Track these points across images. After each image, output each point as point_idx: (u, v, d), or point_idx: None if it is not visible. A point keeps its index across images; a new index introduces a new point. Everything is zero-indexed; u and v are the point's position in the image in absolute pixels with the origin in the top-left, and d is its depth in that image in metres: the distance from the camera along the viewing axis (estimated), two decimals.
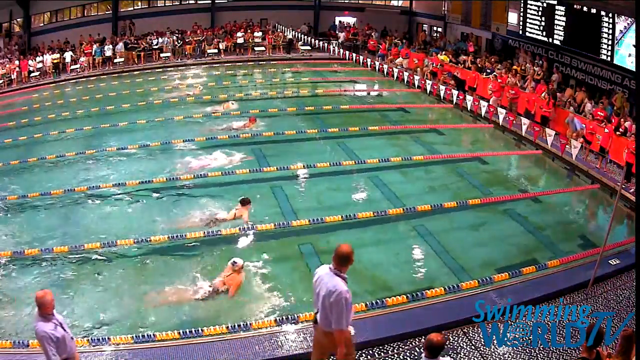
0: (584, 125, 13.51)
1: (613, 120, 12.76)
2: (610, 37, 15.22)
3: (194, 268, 8.43)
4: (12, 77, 21.73)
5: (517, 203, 10.89)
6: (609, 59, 15.42)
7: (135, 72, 23.26)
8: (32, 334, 6.75)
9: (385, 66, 22.26)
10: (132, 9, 27.11)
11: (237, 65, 24.45)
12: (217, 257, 8.72)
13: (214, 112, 16.74)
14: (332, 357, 5.40)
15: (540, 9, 18.28)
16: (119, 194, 11.03)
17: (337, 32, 27.83)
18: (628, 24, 14.59)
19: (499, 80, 16.90)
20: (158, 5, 27.48)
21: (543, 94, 15.27)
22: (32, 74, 22.23)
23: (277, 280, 8.07)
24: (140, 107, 17.52)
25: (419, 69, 21.27)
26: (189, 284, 8.01)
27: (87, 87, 21.14)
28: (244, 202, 9.88)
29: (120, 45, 23.98)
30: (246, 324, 6.85)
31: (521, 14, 19.49)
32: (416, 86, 19.68)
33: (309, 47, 26.18)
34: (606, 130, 12.45)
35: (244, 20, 27.80)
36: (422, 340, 4.93)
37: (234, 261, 7.93)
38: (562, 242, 9.43)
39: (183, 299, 7.67)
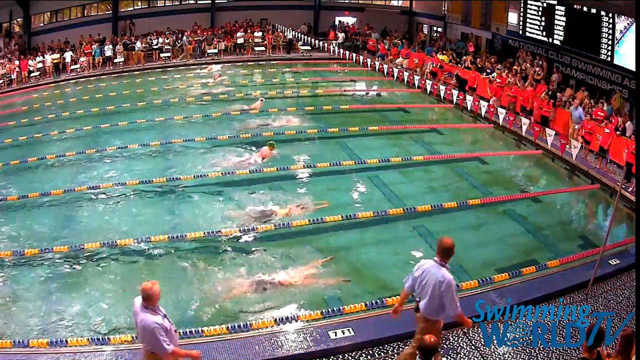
0: (581, 120, 13.58)
1: (613, 121, 12.76)
2: (610, 37, 15.21)
3: (193, 268, 8.45)
4: (12, 77, 21.74)
5: (517, 203, 10.89)
6: (609, 59, 15.42)
7: (135, 72, 23.28)
8: (32, 333, 6.84)
9: (385, 66, 22.26)
10: (132, 9, 27.12)
11: (237, 65, 24.45)
12: (218, 256, 8.73)
13: (214, 114, 16.75)
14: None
15: (540, 9, 18.28)
16: (120, 193, 11.04)
17: (336, 32, 27.78)
18: (628, 24, 14.59)
19: (498, 80, 16.92)
20: (158, 5, 27.49)
21: (543, 94, 15.29)
22: (32, 74, 22.25)
23: (277, 280, 8.03)
24: (140, 107, 17.51)
25: (418, 69, 21.29)
26: (191, 282, 8.03)
27: (87, 87, 21.15)
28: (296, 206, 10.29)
29: (139, 45, 24.06)
30: (246, 324, 6.85)
31: (521, 14, 19.49)
32: (416, 86, 19.68)
33: (309, 47, 26.19)
34: (607, 130, 12.45)
35: (244, 20, 27.82)
36: None
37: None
38: (562, 242, 9.42)
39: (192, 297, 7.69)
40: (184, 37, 24.98)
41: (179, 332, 6.59)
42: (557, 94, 15.43)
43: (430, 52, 22.45)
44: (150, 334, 4.79)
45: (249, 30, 26.60)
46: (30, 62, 22.46)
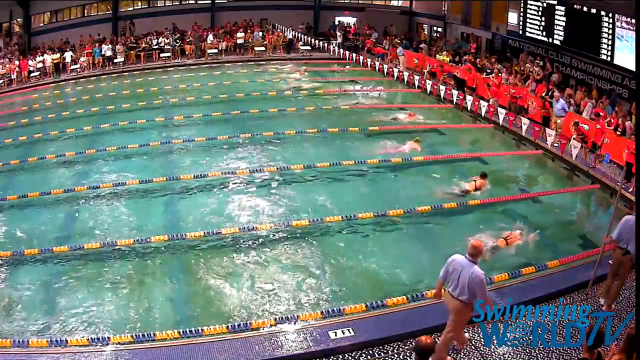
0: (565, 112, 13.65)
1: (613, 120, 12.75)
2: (610, 37, 15.21)
3: (194, 267, 8.45)
4: (12, 77, 21.75)
5: (517, 203, 10.88)
6: (609, 59, 15.42)
7: (135, 72, 23.28)
8: (32, 333, 6.85)
9: (385, 66, 22.27)
10: (132, 9, 27.13)
11: (237, 65, 24.45)
12: (218, 255, 8.75)
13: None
14: None
15: (540, 9, 18.29)
16: (121, 193, 11.05)
17: (336, 32, 27.79)
18: (628, 24, 14.58)
19: (495, 80, 16.93)
20: (158, 5, 27.50)
21: (543, 95, 15.28)
22: (32, 74, 22.27)
23: (277, 280, 8.08)
24: (140, 106, 17.52)
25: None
26: (191, 282, 8.02)
27: (87, 87, 21.15)
28: (483, 176, 11.19)
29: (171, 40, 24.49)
30: (246, 324, 6.85)
31: (521, 14, 19.50)
32: (416, 86, 19.68)
33: (309, 47, 26.19)
34: (598, 126, 12.44)
35: (244, 20, 27.81)
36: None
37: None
38: (562, 242, 9.41)
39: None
40: (185, 38, 25.05)
41: (179, 332, 6.64)
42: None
43: (407, 47, 23.08)
44: (480, 283, 5.61)
45: (249, 30, 26.60)
46: (30, 62, 22.48)
